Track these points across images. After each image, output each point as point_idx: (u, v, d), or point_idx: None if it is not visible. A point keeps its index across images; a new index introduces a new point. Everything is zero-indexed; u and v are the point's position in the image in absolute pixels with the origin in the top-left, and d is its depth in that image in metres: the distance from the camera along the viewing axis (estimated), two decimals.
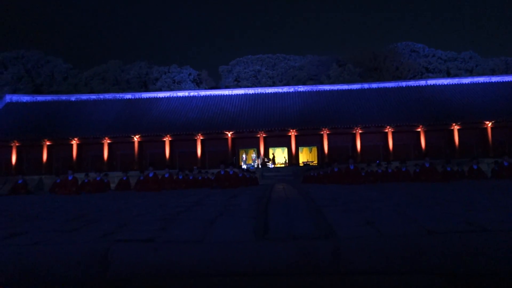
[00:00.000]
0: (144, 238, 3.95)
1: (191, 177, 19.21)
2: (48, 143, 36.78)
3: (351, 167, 15.24)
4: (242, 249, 3.61)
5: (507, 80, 40.69)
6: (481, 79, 41.43)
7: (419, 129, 36.08)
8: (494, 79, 41.13)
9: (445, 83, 41.50)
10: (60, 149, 37.62)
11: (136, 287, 3.41)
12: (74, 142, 36.83)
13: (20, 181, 17.64)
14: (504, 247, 3.53)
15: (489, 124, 34.98)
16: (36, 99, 42.76)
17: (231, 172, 15.78)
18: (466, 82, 41.19)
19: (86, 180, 17.94)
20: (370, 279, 3.39)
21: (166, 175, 17.02)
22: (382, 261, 3.51)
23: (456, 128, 35.59)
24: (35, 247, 3.80)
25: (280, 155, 40.04)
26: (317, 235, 3.95)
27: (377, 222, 4.40)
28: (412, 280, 3.37)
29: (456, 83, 41.38)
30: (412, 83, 42.39)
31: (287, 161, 39.51)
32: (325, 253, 3.56)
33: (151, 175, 15.91)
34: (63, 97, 43.33)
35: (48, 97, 43.38)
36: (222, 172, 15.67)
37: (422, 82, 42.11)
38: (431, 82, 41.98)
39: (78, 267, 3.59)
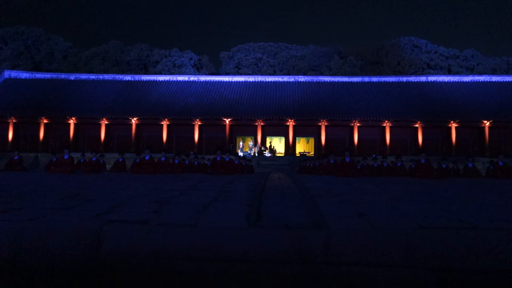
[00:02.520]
0: (138, 220, 3.97)
1: (187, 162, 19.23)
2: (45, 121, 36.67)
3: (347, 159, 15.28)
4: (234, 235, 3.64)
5: (507, 80, 40.67)
6: (481, 78, 41.41)
7: (417, 125, 36.12)
8: (495, 78, 41.11)
9: (446, 80, 41.47)
10: (57, 127, 37.52)
11: (128, 267, 3.44)
12: (72, 122, 36.73)
13: (16, 157, 17.62)
14: (493, 245, 3.57)
15: (487, 123, 35.06)
16: (35, 76, 42.55)
17: (227, 159, 15.81)
18: (467, 81, 41.17)
19: (82, 160, 17.93)
20: (360, 270, 3.42)
21: (162, 159, 17.02)
22: (373, 253, 3.55)
23: (454, 125, 35.66)
24: (29, 223, 3.82)
25: (277, 145, 40.07)
26: (310, 225, 3.97)
27: (369, 215, 4.43)
28: (401, 273, 3.41)
29: (456, 80, 41.35)
30: (412, 78, 42.33)
31: (282, 151, 39.57)
32: (316, 243, 3.59)
33: (147, 158, 15.92)
34: (62, 76, 43.12)
35: (47, 75, 43.16)
36: (218, 158, 15.70)
37: (423, 78, 42.05)
38: (431, 78, 41.92)
39: (72, 245, 3.62)
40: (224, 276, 3.34)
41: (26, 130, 37.60)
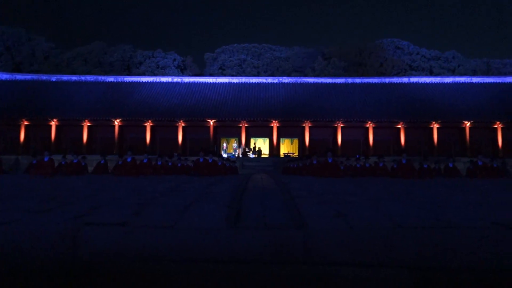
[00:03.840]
0: (116, 222, 3.93)
1: (170, 164, 19.12)
2: (26, 123, 36.12)
3: (330, 160, 15.36)
4: (212, 236, 3.63)
5: (487, 81, 41.39)
6: (462, 79, 42.06)
7: (399, 126, 36.52)
8: (475, 79, 41.81)
9: (428, 81, 42.02)
10: (38, 129, 36.99)
11: (105, 270, 3.41)
12: (53, 123, 36.25)
13: None
14: (470, 244, 3.62)
15: (468, 124, 35.61)
16: (15, 77, 41.88)
17: (210, 160, 15.76)
18: (448, 82, 41.77)
19: (63, 162, 17.70)
20: (339, 270, 3.44)
21: (145, 161, 16.90)
22: (352, 253, 3.57)
23: (435, 126, 36.14)
24: (6, 227, 3.76)
25: (262, 146, 40.10)
26: (289, 225, 3.98)
27: (349, 215, 4.46)
28: (380, 273, 3.44)
29: (438, 82, 41.93)
30: (395, 79, 42.80)
31: (267, 152, 39.62)
32: (296, 243, 3.60)
33: (129, 159, 15.79)
34: (44, 77, 42.52)
35: (28, 76, 42.54)
36: (201, 160, 15.64)
37: (405, 79, 42.54)
38: (413, 79, 42.44)
39: (48, 247, 3.57)
40: (202, 277, 3.33)
41: (6, 132, 36.99)
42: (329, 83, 42.24)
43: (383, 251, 3.57)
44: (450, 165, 18.28)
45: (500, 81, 41.16)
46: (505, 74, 49.93)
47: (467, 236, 3.71)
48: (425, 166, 17.55)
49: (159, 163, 18.14)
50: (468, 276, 3.47)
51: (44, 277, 3.48)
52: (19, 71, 52.00)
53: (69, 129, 37.47)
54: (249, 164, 31.75)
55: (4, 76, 41.78)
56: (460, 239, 3.68)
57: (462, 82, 41.48)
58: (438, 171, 18.65)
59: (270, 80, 43.07)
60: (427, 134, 37.45)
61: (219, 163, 16.92)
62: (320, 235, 3.65)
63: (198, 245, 3.57)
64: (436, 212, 4.77)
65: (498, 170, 16.81)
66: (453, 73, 56.11)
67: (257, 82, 42.58)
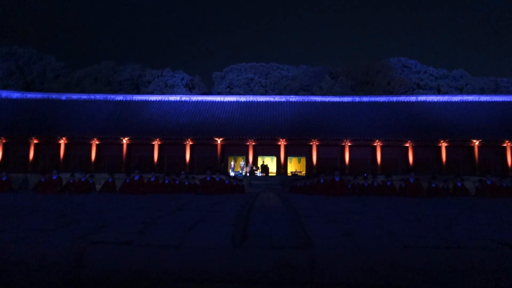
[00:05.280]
0: (122, 241, 3.94)
1: (177, 182, 19.14)
2: (35, 141, 36.42)
3: (337, 179, 15.30)
4: (218, 255, 3.62)
5: (495, 100, 41.23)
6: (470, 98, 41.92)
7: (407, 144, 36.35)
8: (483, 98, 41.65)
9: (435, 100, 41.93)
10: (47, 147, 37.26)
11: None
12: (62, 142, 36.52)
13: (4, 178, 17.44)
14: (477, 264, 3.58)
15: (476, 142, 35.37)
16: (26, 96, 42.41)
17: (217, 179, 15.76)
18: (456, 100, 41.65)
19: (71, 180, 17.80)
20: None
21: (152, 179, 16.95)
22: (358, 273, 3.54)
23: (444, 145, 35.93)
24: (13, 245, 3.78)
25: (269, 164, 40.05)
26: (295, 245, 3.97)
27: (355, 235, 4.43)
28: None
29: (446, 100, 41.82)
30: (402, 98, 42.74)
31: (274, 171, 39.56)
32: (301, 263, 3.58)
33: (137, 178, 15.85)
34: (54, 96, 43.00)
35: (39, 95, 43.03)
36: (208, 178, 15.65)
37: (413, 98, 42.47)
38: (421, 98, 42.37)
39: (54, 266, 3.58)
40: None
41: (16, 150, 37.31)
42: (336, 101, 42.28)
43: (389, 272, 3.54)
44: (459, 184, 18.12)
45: (509, 100, 40.96)
46: None
47: (473, 256, 3.68)
48: (434, 185, 17.42)
49: (166, 181, 18.18)
50: None
51: None
52: (30, 89, 52.67)
53: (77, 147, 37.70)
54: (256, 183, 31.67)
55: (15, 94, 42.34)
56: (468, 260, 3.64)
57: (470, 101, 41.33)
58: (447, 190, 18.49)
59: (277, 98, 43.22)
60: (435, 152, 37.23)
61: (226, 182, 16.91)
62: (326, 255, 3.63)
63: (203, 265, 3.56)
64: (444, 232, 4.73)
65: (507, 190, 16.65)
66: (461, 91, 55.99)
67: (265, 101, 42.74)
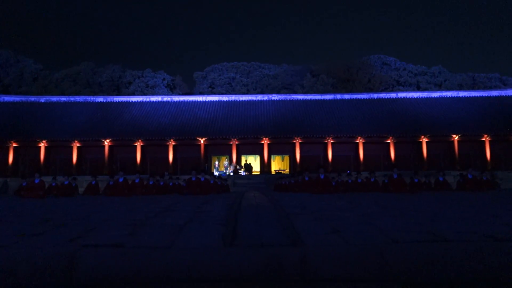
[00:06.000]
0: (112, 243, 3.93)
1: (161, 183, 19.04)
2: (14, 144, 35.77)
3: (322, 176, 15.42)
4: (210, 255, 3.63)
5: (473, 95, 42.00)
6: (449, 94, 42.61)
7: (389, 141, 36.77)
8: (462, 94, 42.38)
9: (415, 96, 42.49)
10: (27, 151, 36.62)
11: None
12: (42, 145, 35.94)
13: None
14: (463, 257, 3.67)
15: (456, 137, 35.98)
16: (4, 99, 41.58)
17: (202, 179, 15.74)
18: (435, 96, 42.29)
19: (53, 184, 17.56)
20: (335, 286, 3.46)
21: (137, 181, 16.82)
22: (347, 269, 3.59)
23: (424, 140, 36.45)
24: (0, 251, 3.73)
25: (252, 163, 40.06)
26: (285, 242, 4.01)
27: (344, 231, 4.50)
28: None
29: (425, 96, 42.42)
30: (383, 95, 43.22)
31: (258, 170, 39.61)
32: (292, 260, 3.62)
33: (121, 180, 15.72)
34: (32, 98, 42.25)
35: (17, 98, 42.25)
36: (194, 179, 15.62)
37: (393, 95, 42.99)
38: (401, 95, 42.90)
39: (44, 271, 3.54)
40: None
41: None
42: (318, 99, 42.52)
43: (378, 266, 3.61)
44: (441, 179, 18.43)
45: (486, 95, 41.80)
46: (490, 88, 50.80)
47: (460, 249, 3.76)
48: (416, 180, 17.68)
49: (150, 182, 18.07)
50: None
51: None
52: (7, 93, 51.65)
53: (58, 150, 37.13)
54: (241, 182, 31.67)
55: None
56: (454, 252, 3.73)
57: (449, 97, 42.00)
58: (429, 185, 18.80)
59: (259, 97, 43.25)
60: (416, 148, 37.73)
61: (211, 182, 16.89)
62: (316, 251, 3.68)
63: (195, 265, 3.57)
64: (429, 226, 4.83)
65: (488, 183, 17.00)
66: (439, 88, 56.88)
67: (247, 100, 42.73)
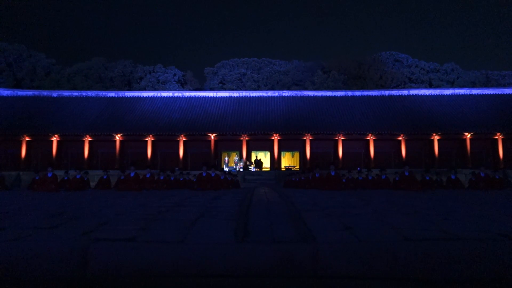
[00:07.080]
0: (125, 237, 3.96)
1: (172, 178, 19.13)
2: (27, 138, 36.16)
3: (332, 173, 15.37)
4: (222, 251, 3.64)
5: (486, 93, 41.53)
6: (461, 91, 42.18)
7: (400, 138, 36.55)
8: (475, 91, 41.94)
9: (427, 94, 42.14)
10: (39, 145, 37.01)
11: (115, 286, 3.42)
12: (54, 139, 36.29)
13: None
14: (476, 255, 3.64)
15: (468, 135, 35.65)
16: (17, 93, 42.02)
17: (213, 174, 15.76)
18: (447, 94, 41.90)
19: (65, 178, 17.72)
20: (347, 283, 3.45)
21: (148, 175, 16.91)
22: (359, 266, 3.58)
23: (436, 138, 36.17)
24: (14, 243, 3.77)
25: (262, 159, 40.09)
26: (297, 239, 4.00)
27: (355, 228, 4.48)
28: (387, 285, 3.45)
29: (437, 94, 42.05)
30: (394, 92, 42.91)
31: (268, 166, 39.63)
32: (304, 257, 3.62)
33: (132, 174, 15.80)
34: (45, 93, 42.65)
35: (29, 92, 42.66)
36: (204, 174, 15.65)
37: (405, 92, 42.66)
38: (413, 92, 42.57)
39: (58, 264, 3.58)
40: None
41: (7, 148, 37.01)
42: (329, 96, 42.35)
43: (391, 264, 3.59)
44: (453, 177, 18.27)
45: (499, 93, 41.32)
46: (504, 86, 50.16)
47: (473, 248, 3.73)
48: (427, 178, 17.55)
49: (161, 177, 18.16)
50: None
51: None
52: (20, 87, 52.21)
53: (70, 144, 37.48)
54: (251, 178, 31.72)
55: (6, 92, 41.93)
56: (467, 251, 3.70)
57: (462, 94, 41.58)
58: (440, 183, 18.65)
59: (270, 93, 43.21)
60: (428, 146, 37.47)
61: (222, 177, 16.92)
62: (329, 248, 3.67)
63: (207, 260, 3.58)
64: (442, 225, 4.79)
65: (500, 182, 16.82)
66: (452, 85, 56.33)
67: (257, 96, 42.71)
